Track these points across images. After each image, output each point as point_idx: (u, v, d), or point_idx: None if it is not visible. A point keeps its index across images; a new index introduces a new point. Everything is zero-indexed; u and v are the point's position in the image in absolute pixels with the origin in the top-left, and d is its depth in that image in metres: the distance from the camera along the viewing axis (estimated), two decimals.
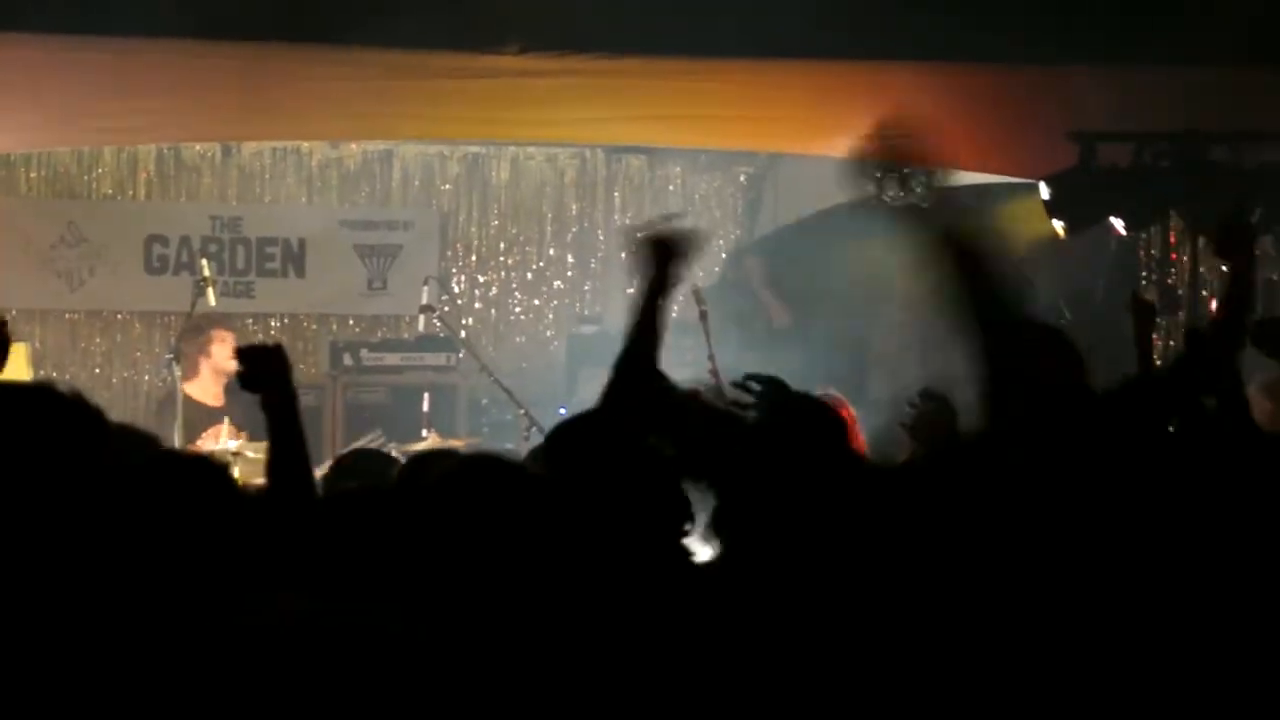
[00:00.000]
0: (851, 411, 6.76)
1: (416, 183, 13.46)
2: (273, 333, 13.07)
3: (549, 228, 13.73)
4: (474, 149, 13.43)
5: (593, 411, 4.04)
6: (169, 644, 2.74)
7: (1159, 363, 7.45)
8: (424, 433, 10.34)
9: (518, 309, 13.70)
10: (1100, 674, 2.59)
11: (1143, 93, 9.41)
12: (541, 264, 13.73)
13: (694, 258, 4.08)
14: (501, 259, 13.66)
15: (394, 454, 9.13)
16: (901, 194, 12.70)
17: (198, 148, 12.89)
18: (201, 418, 9.85)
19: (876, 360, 12.23)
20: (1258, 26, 8.77)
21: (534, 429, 9.74)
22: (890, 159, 2.96)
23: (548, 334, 13.67)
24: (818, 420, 3.98)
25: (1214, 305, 8.76)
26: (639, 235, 4.06)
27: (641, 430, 3.93)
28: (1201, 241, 10.48)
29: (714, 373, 9.22)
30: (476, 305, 13.58)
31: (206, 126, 10.69)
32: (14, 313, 12.15)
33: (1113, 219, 9.89)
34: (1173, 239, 10.53)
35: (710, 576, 2.72)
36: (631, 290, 13.85)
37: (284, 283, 13.12)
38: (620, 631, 2.91)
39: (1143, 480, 2.83)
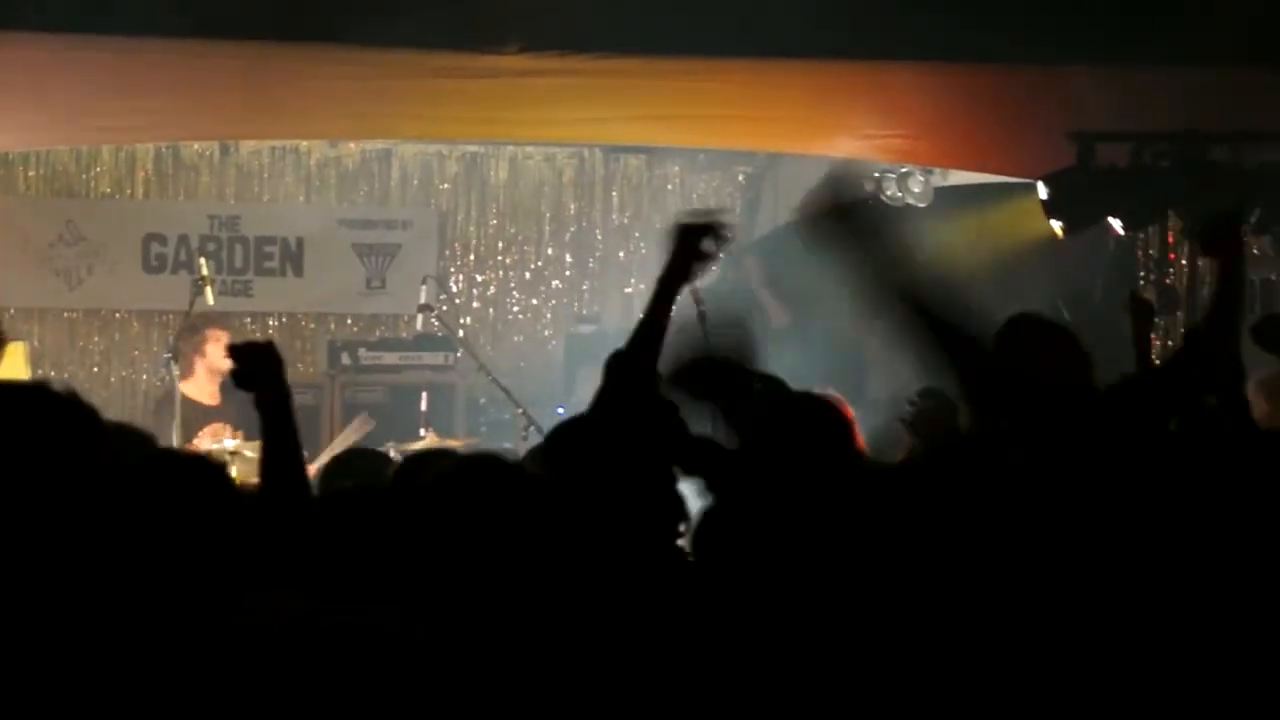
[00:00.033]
0: (851, 412, 6.76)
1: (415, 182, 13.46)
2: (271, 332, 13.05)
3: (547, 227, 13.73)
4: (472, 148, 13.42)
5: (592, 412, 4.03)
6: (166, 643, 2.74)
7: (1157, 363, 7.44)
8: (422, 432, 10.34)
9: (516, 308, 13.70)
10: (1100, 672, 2.59)
11: (1142, 93, 9.41)
12: (540, 263, 13.73)
13: (721, 250, 4.07)
14: (500, 258, 13.66)
15: (392, 453, 9.15)
16: (899, 194, 12.71)
17: (196, 147, 12.89)
18: (198, 417, 9.85)
19: (874, 360, 12.22)
20: (1257, 26, 8.77)
21: (532, 428, 9.74)
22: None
23: (546, 333, 13.67)
24: (820, 420, 3.97)
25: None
26: (678, 220, 4.06)
27: (639, 431, 3.92)
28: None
29: None
30: (475, 304, 13.58)
31: (205, 126, 10.68)
32: (12, 311, 12.18)
33: (1111, 219, 9.88)
34: (1171, 239, 10.54)
35: (709, 576, 2.72)
36: (629, 290, 13.90)
37: (282, 282, 13.12)
38: (616, 631, 2.91)
39: (1143, 478, 2.82)
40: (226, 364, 4.12)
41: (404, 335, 12.62)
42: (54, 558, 3.21)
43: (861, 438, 6.88)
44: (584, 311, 13.63)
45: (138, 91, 9.40)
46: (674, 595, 2.94)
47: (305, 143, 13.06)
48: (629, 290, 13.69)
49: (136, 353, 12.97)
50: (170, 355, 10.06)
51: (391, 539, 3.39)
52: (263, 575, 3.36)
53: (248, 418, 7.78)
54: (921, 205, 12.15)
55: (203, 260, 10.77)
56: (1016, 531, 2.62)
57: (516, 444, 9.83)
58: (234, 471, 7.10)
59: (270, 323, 13.16)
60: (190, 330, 10.24)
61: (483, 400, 12.15)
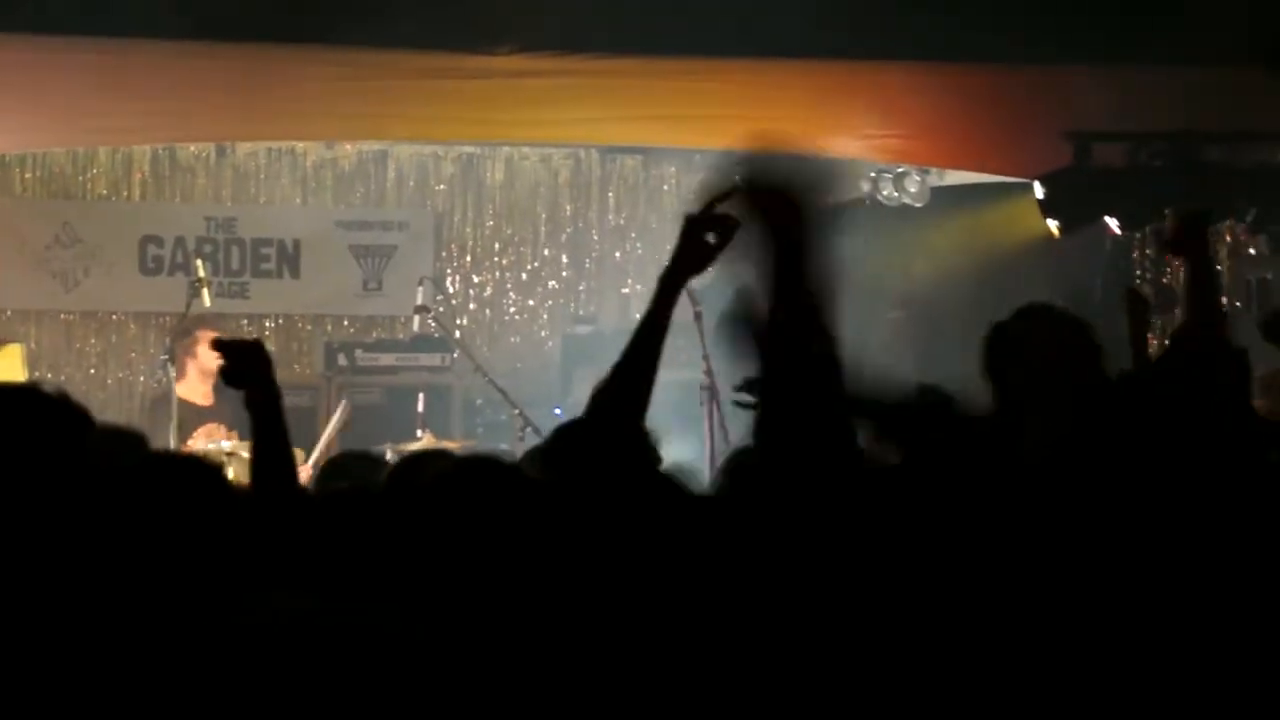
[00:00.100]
0: None
1: (411, 183, 13.46)
2: (267, 333, 13.06)
3: (543, 228, 13.73)
4: (468, 149, 13.43)
5: (592, 414, 4.02)
6: (165, 644, 2.74)
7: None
8: (419, 433, 10.33)
9: (512, 309, 13.70)
10: (1099, 670, 2.58)
11: (1139, 93, 9.41)
12: (536, 264, 13.73)
13: (728, 243, 4.03)
14: (496, 259, 13.66)
15: (388, 454, 9.15)
16: (896, 194, 12.74)
17: (192, 148, 12.89)
18: (192, 418, 9.83)
19: (872, 360, 12.22)
20: (1254, 27, 8.77)
21: (529, 429, 9.73)
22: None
23: (542, 334, 13.67)
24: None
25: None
26: (693, 209, 4.02)
27: (639, 431, 3.92)
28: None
29: (709, 374, 9.23)
30: (471, 306, 13.58)
31: (201, 127, 10.68)
32: (9, 313, 12.20)
33: (1108, 219, 9.89)
34: None
35: (708, 576, 2.71)
36: (626, 291, 13.89)
37: (279, 283, 13.12)
38: (615, 632, 2.91)
39: (1145, 472, 2.82)
40: (217, 363, 4.11)
41: (400, 336, 12.62)
42: (48, 560, 3.20)
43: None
44: (580, 312, 13.63)
45: (134, 93, 9.40)
46: (673, 595, 2.94)
47: (301, 144, 13.06)
48: (626, 291, 13.69)
49: (133, 355, 12.97)
50: (167, 357, 10.05)
51: (387, 540, 3.38)
52: (258, 575, 3.35)
53: (242, 418, 7.77)
54: (918, 205, 12.15)
55: (199, 262, 10.76)
56: (1028, 525, 2.62)
57: (513, 445, 9.82)
58: (231, 473, 7.14)
59: (267, 324, 13.16)
60: (182, 332, 10.22)
61: (479, 401, 12.15)
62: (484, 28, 8.98)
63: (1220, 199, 9.82)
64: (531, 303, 13.71)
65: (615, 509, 3.44)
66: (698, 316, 8.99)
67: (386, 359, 11.97)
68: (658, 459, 4.03)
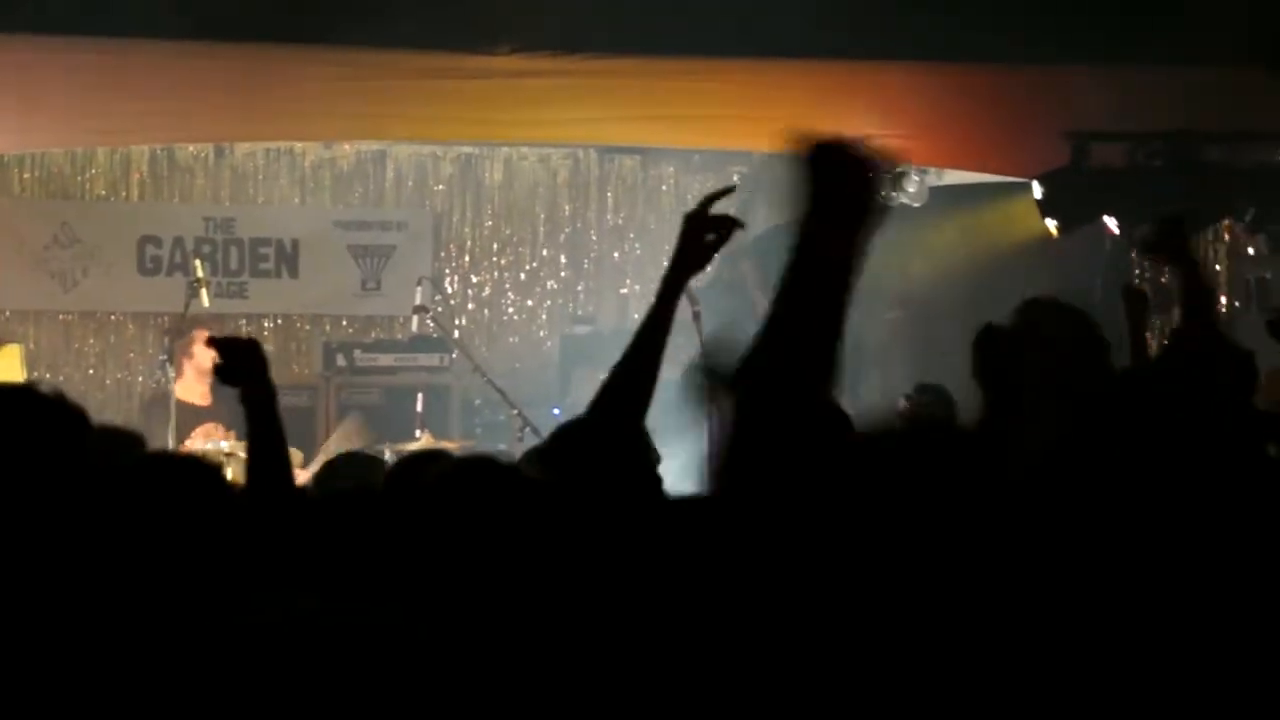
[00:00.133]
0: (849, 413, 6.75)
1: (410, 183, 13.46)
2: (266, 334, 13.06)
3: (542, 228, 13.73)
4: (467, 149, 13.43)
5: (592, 414, 4.02)
6: (163, 644, 2.74)
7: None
8: (417, 433, 10.33)
9: (511, 309, 13.70)
10: (1097, 670, 2.58)
11: (1138, 93, 9.42)
12: (535, 264, 13.73)
13: (728, 240, 4.03)
14: (495, 259, 13.66)
15: (387, 454, 9.14)
16: (895, 194, 12.62)
17: (191, 148, 12.89)
18: (189, 418, 9.83)
19: (870, 361, 12.23)
20: (1253, 27, 8.78)
21: (527, 430, 9.73)
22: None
23: (541, 334, 13.67)
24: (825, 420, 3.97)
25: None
26: (692, 211, 4.02)
27: (639, 432, 3.92)
28: (1195, 240, 10.49)
29: None
30: (470, 306, 13.58)
31: (201, 127, 10.69)
32: (7, 313, 12.20)
33: (1106, 219, 9.89)
34: None
35: (707, 576, 2.71)
36: (624, 291, 13.88)
37: (277, 283, 13.11)
38: (615, 631, 2.91)
39: (1145, 469, 2.82)
40: (213, 360, 4.12)
41: (399, 337, 12.62)
42: (45, 561, 3.20)
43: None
44: (579, 312, 13.63)
45: (133, 93, 9.40)
46: (672, 595, 2.94)
47: (300, 144, 13.06)
48: (624, 291, 13.70)
49: (132, 355, 12.97)
50: (165, 358, 10.05)
51: (386, 540, 3.38)
52: (256, 575, 3.35)
53: (239, 418, 7.77)
54: (916, 205, 12.15)
55: (198, 262, 10.76)
56: (1032, 524, 2.62)
57: (512, 445, 9.82)
58: (230, 474, 7.14)
59: (265, 324, 13.15)
60: (178, 333, 10.22)
61: (478, 401, 12.14)
62: (483, 28, 8.98)
63: (1219, 199, 9.83)
64: (530, 303, 13.71)
65: (615, 509, 3.43)
66: (696, 316, 8.99)
67: (385, 359, 11.97)
68: (657, 458, 4.04)
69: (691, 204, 4.05)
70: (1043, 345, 4.95)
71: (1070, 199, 9.82)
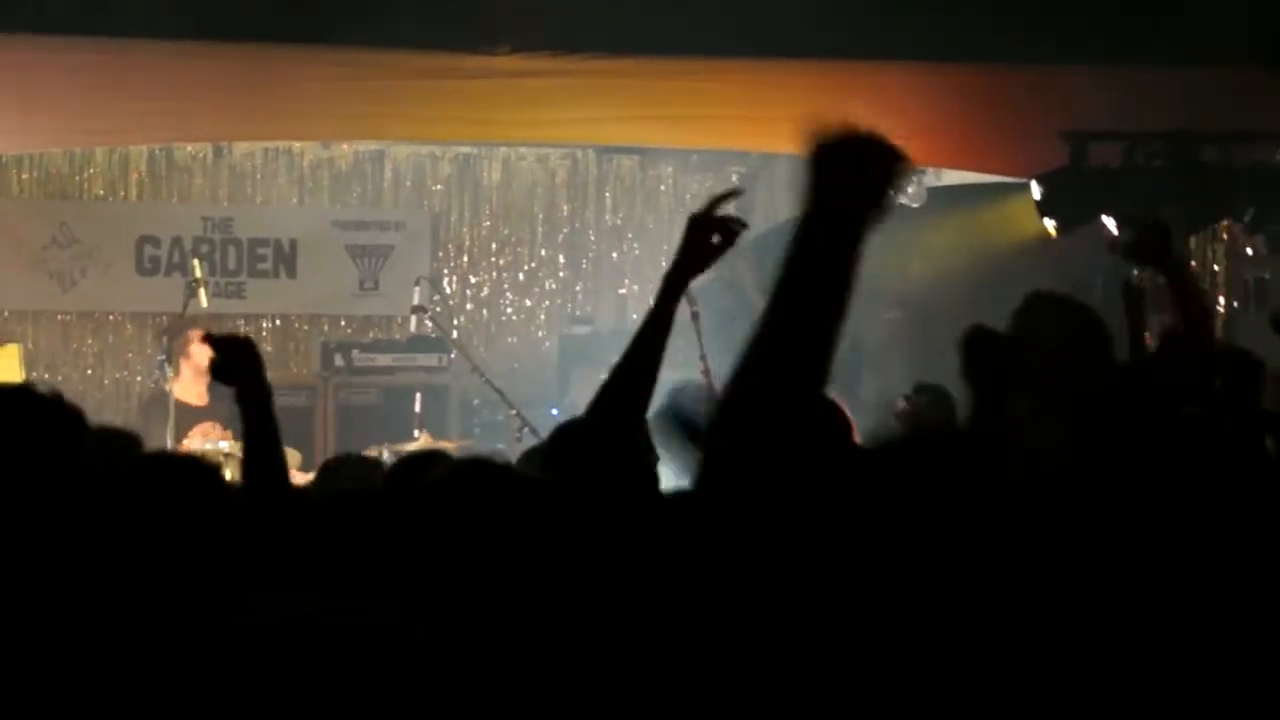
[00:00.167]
0: (847, 413, 6.76)
1: (408, 183, 13.46)
2: (264, 333, 13.06)
3: (540, 228, 13.74)
4: (465, 149, 13.43)
5: (592, 414, 4.02)
6: (163, 644, 2.73)
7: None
8: (415, 433, 10.33)
9: (509, 309, 13.70)
10: (1099, 666, 2.58)
11: (1138, 93, 9.41)
12: (533, 264, 13.73)
13: (733, 244, 4.03)
14: (493, 259, 13.67)
15: (385, 454, 9.14)
16: (904, 191, 12.60)
17: (189, 148, 12.89)
18: (186, 417, 9.83)
19: (869, 362, 12.23)
20: (1253, 27, 8.77)
21: (526, 430, 9.73)
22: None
23: (539, 334, 13.67)
24: (824, 418, 3.97)
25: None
26: (697, 213, 4.01)
27: (639, 432, 3.92)
28: (1193, 242, 10.50)
29: (706, 373, 9.22)
30: (468, 306, 13.59)
31: (199, 127, 10.69)
32: (5, 314, 12.20)
33: (1105, 218, 9.88)
34: None
35: (704, 576, 2.71)
36: (623, 291, 13.87)
37: (275, 283, 13.12)
38: (615, 632, 2.91)
39: (1148, 463, 2.82)
40: (208, 359, 4.13)
41: (397, 337, 12.64)
42: (43, 561, 3.20)
43: (858, 438, 6.87)
44: (577, 312, 13.64)
45: (132, 93, 9.39)
46: (670, 595, 2.94)
47: (298, 144, 13.06)
48: (622, 291, 13.70)
49: (130, 355, 12.97)
50: (164, 357, 10.05)
51: (385, 540, 3.38)
52: (255, 575, 3.35)
53: (236, 417, 7.77)
54: (915, 205, 12.15)
55: (196, 262, 10.76)
56: (1035, 518, 2.62)
57: (510, 445, 9.82)
58: (229, 474, 7.13)
59: (263, 324, 13.16)
60: (175, 333, 10.22)
61: (476, 402, 12.15)
62: (482, 28, 8.98)
63: (1218, 199, 9.83)
64: (528, 303, 13.71)
65: (612, 509, 3.43)
66: (695, 316, 9.00)
67: (383, 359, 11.97)
68: (656, 458, 4.04)
69: (690, 204, 4.06)
70: (1046, 341, 4.95)
71: (1069, 199, 9.81)
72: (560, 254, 13.76)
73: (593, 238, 13.79)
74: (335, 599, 2.24)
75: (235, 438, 9.14)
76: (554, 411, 11.09)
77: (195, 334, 9.95)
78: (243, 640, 2.13)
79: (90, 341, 12.98)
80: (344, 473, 5.80)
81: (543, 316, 13.71)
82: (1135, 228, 5.54)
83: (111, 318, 13.00)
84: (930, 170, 11.97)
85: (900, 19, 8.68)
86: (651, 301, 4.08)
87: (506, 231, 13.66)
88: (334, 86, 9.42)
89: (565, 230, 13.76)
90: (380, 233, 13.26)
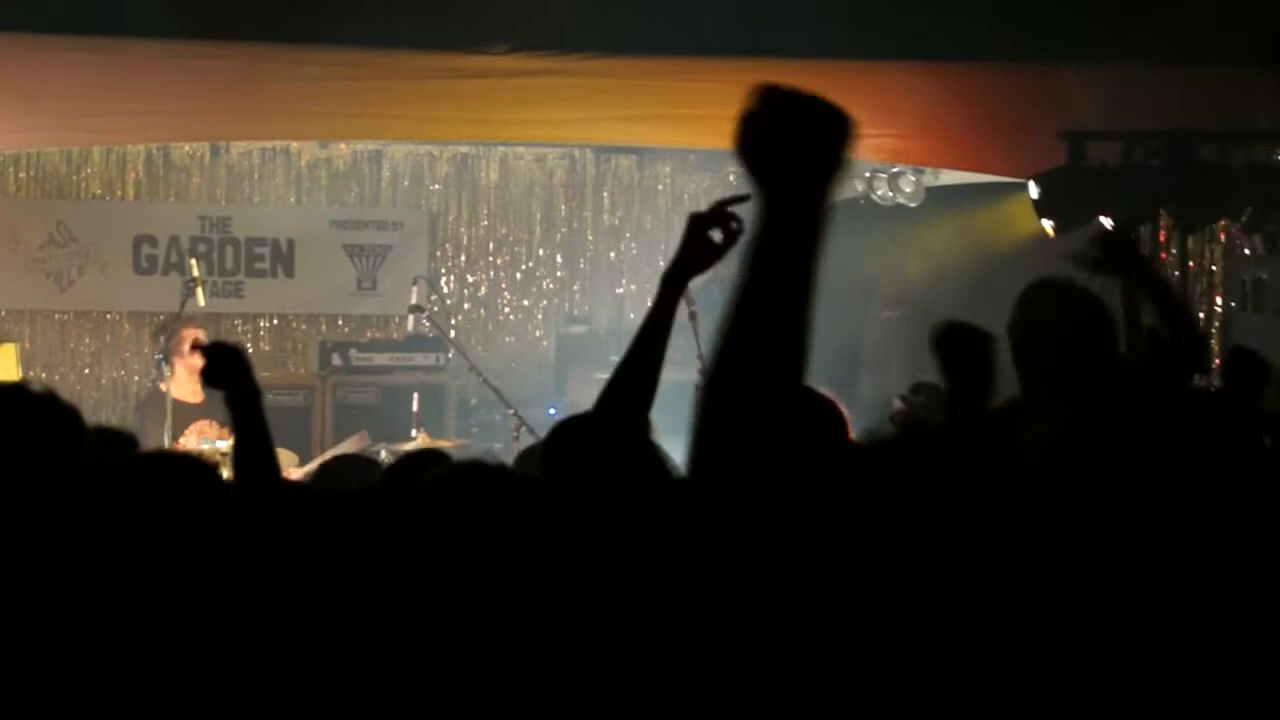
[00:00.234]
0: (844, 412, 6.75)
1: (405, 183, 13.46)
2: (262, 333, 13.07)
3: (538, 228, 13.73)
4: (463, 149, 13.43)
5: (592, 412, 4.02)
6: (162, 643, 2.73)
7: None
8: (413, 433, 10.32)
9: (507, 309, 13.70)
10: (1098, 664, 2.58)
11: (1136, 92, 9.42)
12: (530, 264, 13.73)
13: (733, 243, 4.00)
14: (491, 259, 13.66)
15: (383, 454, 9.14)
16: (890, 193, 12.70)
17: (186, 148, 12.88)
18: (183, 415, 9.82)
19: (867, 360, 12.24)
20: (1251, 27, 8.78)
21: (523, 429, 9.73)
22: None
23: (537, 334, 13.67)
24: (822, 415, 3.96)
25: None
26: (699, 212, 3.99)
27: (640, 430, 3.91)
28: (1190, 242, 10.51)
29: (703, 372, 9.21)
30: (466, 305, 13.58)
31: (197, 126, 10.67)
32: (3, 313, 12.19)
33: (1102, 218, 9.88)
34: (1163, 236, 10.55)
35: (697, 572, 2.71)
36: (620, 291, 13.85)
37: (273, 283, 13.11)
38: (615, 632, 2.91)
39: (1147, 460, 2.81)
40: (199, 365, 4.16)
41: (395, 336, 12.63)
42: (39, 561, 3.20)
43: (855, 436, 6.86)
44: (575, 312, 13.63)
45: (128, 93, 9.39)
46: (664, 591, 2.94)
47: (296, 144, 13.05)
48: (620, 291, 13.70)
49: (127, 354, 12.96)
50: (161, 356, 10.04)
51: (381, 540, 3.38)
52: (251, 573, 3.35)
53: None
54: (913, 205, 12.16)
55: (194, 261, 10.74)
56: (1034, 512, 2.61)
57: (508, 445, 9.82)
58: (226, 473, 7.12)
59: (261, 324, 13.16)
60: (168, 332, 10.20)
61: (474, 401, 12.15)
62: (479, 28, 8.99)
63: (1215, 198, 9.83)
64: (526, 302, 13.71)
65: (611, 508, 3.43)
66: (693, 316, 8.99)
67: (381, 358, 11.97)
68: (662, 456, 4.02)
69: (688, 203, 4.05)
70: (1048, 327, 4.94)
71: (1067, 199, 9.81)
72: (558, 253, 13.76)
73: (590, 237, 13.79)
74: (331, 598, 2.24)
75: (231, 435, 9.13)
76: (551, 410, 11.08)
77: (189, 333, 9.95)
78: (239, 638, 2.13)
79: (87, 341, 12.96)
80: (343, 473, 5.80)
81: (540, 316, 13.71)
82: (1096, 240, 5.46)
83: (109, 317, 12.99)
84: (928, 170, 11.98)
85: (898, 19, 8.68)
86: (650, 300, 4.07)
87: (504, 231, 13.66)
88: (331, 86, 9.42)
89: (563, 230, 13.76)
90: (378, 232, 13.26)
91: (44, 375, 12.09)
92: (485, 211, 13.62)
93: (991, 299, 5.96)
